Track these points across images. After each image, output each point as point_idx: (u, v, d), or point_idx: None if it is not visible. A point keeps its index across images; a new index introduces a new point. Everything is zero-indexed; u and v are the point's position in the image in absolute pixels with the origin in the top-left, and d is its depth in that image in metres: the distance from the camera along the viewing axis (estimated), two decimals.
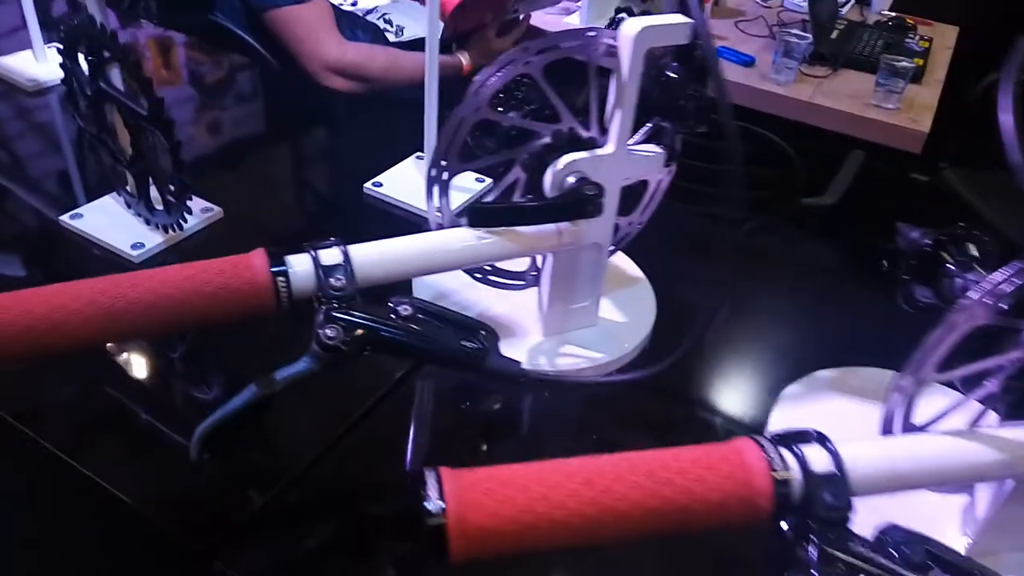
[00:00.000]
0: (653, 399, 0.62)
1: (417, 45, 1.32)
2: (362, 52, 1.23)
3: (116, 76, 0.64)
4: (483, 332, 0.50)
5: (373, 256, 0.50)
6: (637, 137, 0.58)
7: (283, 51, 1.21)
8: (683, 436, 0.60)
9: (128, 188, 0.70)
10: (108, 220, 0.71)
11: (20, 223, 0.75)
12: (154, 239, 0.69)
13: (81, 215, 0.72)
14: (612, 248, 0.65)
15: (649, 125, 0.58)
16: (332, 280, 0.48)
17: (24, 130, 0.91)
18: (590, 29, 0.51)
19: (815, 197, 1.65)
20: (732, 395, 0.63)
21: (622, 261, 0.72)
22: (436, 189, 0.55)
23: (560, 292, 0.61)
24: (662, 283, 0.71)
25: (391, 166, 0.86)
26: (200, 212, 0.74)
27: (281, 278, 0.47)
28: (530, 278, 0.63)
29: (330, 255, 0.49)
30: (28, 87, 0.94)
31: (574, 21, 1.74)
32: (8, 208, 0.77)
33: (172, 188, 0.64)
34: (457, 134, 0.52)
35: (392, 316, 0.48)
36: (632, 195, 0.61)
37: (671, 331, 0.68)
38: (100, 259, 0.69)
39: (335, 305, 0.47)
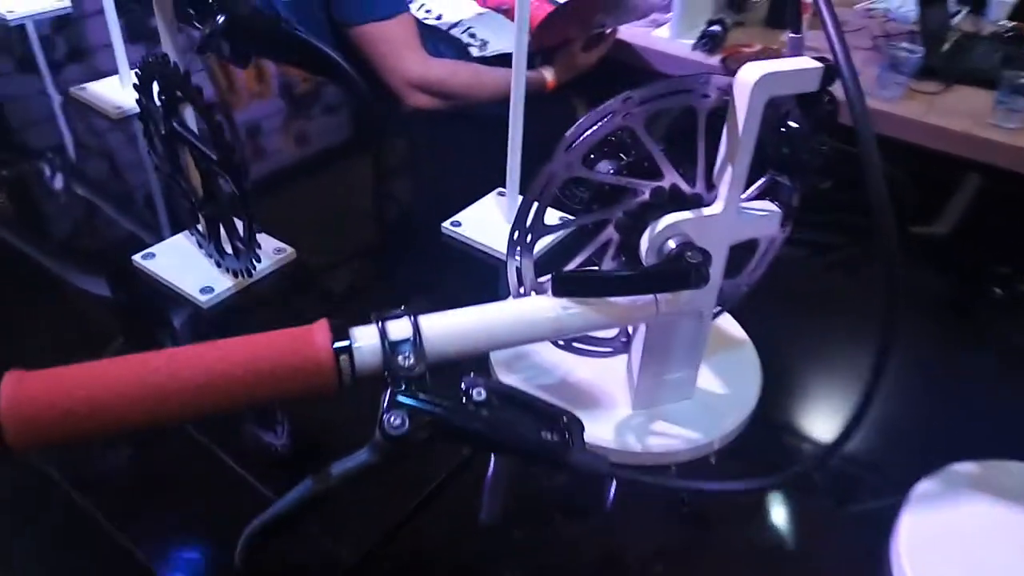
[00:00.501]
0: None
1: (501, 60, 1.28)
2: (446, 68, 1.19)
3: (190, 116, 0.61)
4: (565, 419, 0.44)
5: (446, 329, 0.45)
6: (749, 192, 0.51)
7: (366, 68, 1.19)
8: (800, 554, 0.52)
9: (200, 229, 0.67)
10: (179, 261, 0.69)
11: (94, 260, 0.74)
12: (224, 283, 0.67)
13: (154, 255, 0.70)
14: (716, 311, 0.58)
15: (764, 180, 0.50)
16: (400, 358, 0.43)
17: (104, 159, 0.91)
18: (701, 76, 0.45)
19: (926, 225, 1.51)
20: (854, 492, 0.54)
21: (723, 321, 0.64)
22: (517, 253, 0.49)
23: (653, 363, 0.54)
24: (768, 345, 0.63)
25: (472, 201, 0.81)
26: (272, 253, 0.71)
27: (344, 356, 0.42)
28: (619, 344, 0.56)
29: (399, 328, 0.44)
30: (113, 114, 0.94)
31: (663, 34, 1.65)
32: (83, 244, 0.76)
33: (241, 234, 0.61)
34: (543, 194, 0.46)
35: (464, 400, 0.43)
36: (740, 251, 0.54)
37: (779, 404, 0.61)
38: (169, 302, 0.66)
39: (402, 387, 0.42)
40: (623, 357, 0.57)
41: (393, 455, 0.41)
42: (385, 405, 0.41)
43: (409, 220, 0.84)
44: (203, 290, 0.66)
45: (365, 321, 0.44)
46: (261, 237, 0.73)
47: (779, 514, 0.52)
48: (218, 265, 0.67)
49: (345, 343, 0.43)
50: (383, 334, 0.43)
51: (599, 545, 0.51)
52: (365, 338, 0.43)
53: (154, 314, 0.67)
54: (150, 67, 0.60)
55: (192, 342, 0.42)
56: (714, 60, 1.48)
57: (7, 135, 0.94)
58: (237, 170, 0.56)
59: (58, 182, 0.85)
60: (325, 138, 1.00)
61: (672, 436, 0.55)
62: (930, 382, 0.65)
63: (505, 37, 1.32)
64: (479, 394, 0.43)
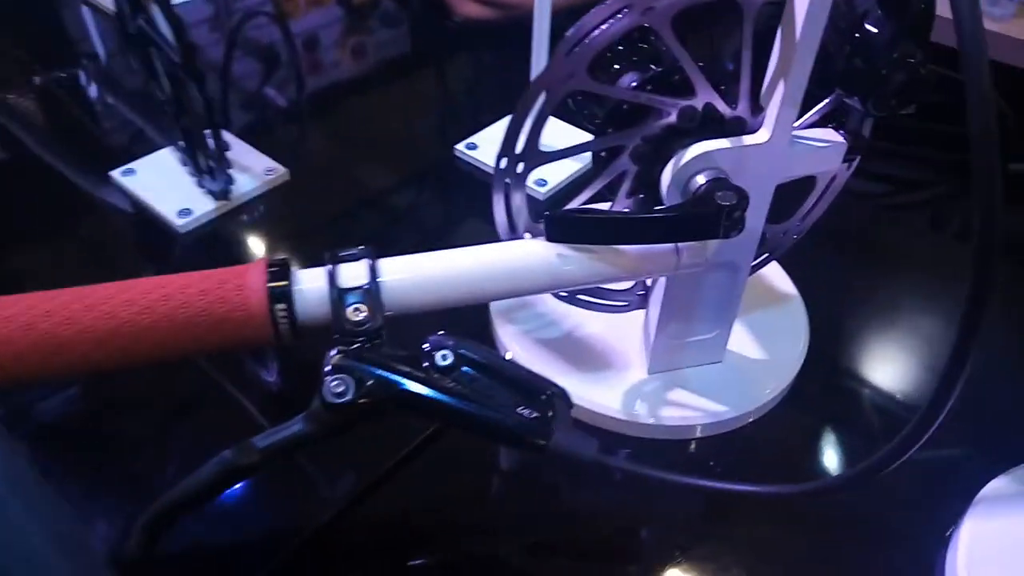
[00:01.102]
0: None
1: None
2: None
3: (158, 13, 0.53)
4: (548, 394, 0.36)
5: (411, 276, 0.37)
6: (807, 118, 0.40)
7: None
8: (847, 553, 0.43)
9: (181, 143, 0.60)
10: (162, 179, 0.62)
11: (69, 174, 0.67)
12: (205, 205, 0.60)
13: (134, 171, 0.63)
14: (756, 264, 0.49)
15: (827, 101, 0.40)
16: (351, 309, 0.35)
17: (95, 60, 0.84)
18: None
19: None
20: (911, 491, 0.45)
21: (765, 269, 0.54)
22: (506, 186, 0.40)
23: (674, 323, 0.45)
24: (820, 301, 0.53)
25: (493, 121, 0.71)
26: (263, 173, 0.63)
27: (281, 304, 0.35)
28: (635, 299, 0.47)
29: (353, 272, 0.36)
30: (111, 10, 0.86)
31: None
32: (60, 154, 0.69)
33: (211, 151, 0.53)
34: (539, 114, 0.37)
35: (426, 365, 0.35)
36: (791, 188, 0.43)
37: (828, 375, 0.51)
38: (144, 226, 0.60)
39: (351, 347, 0.35)
40: (641, 311, 0.48)
41: (335, 426, 0.35)
42: (327, 366, 0.34)
43: (422, 140, 0.75)
44: (181, 212, 0.59)
45: (319, 262, 0.37)
46: (252, 155, 0.66)
47: (812, 512, 0.44)
48: (200, 185, 0.61)
49: (283, 287, 0.35)
50: (332, 278, 0.36)
51: (608, 518, 0.43)
52: (310, 282, 0.36)
53: (125, 238, 0.61)
54: None
55: (163, 271, 0.36)
56: None
57: None
58: (200, 74, 0.48)
59: (45, 84, 0.79)
60: (359, 60, 0.91)
61: (692, 407, 0.46)
62: (1015, 358, 0.54)
63: None
64: (444, 358, 0.35)
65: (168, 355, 0.35)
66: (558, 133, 0.67)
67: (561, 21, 0.57)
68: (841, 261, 0.61)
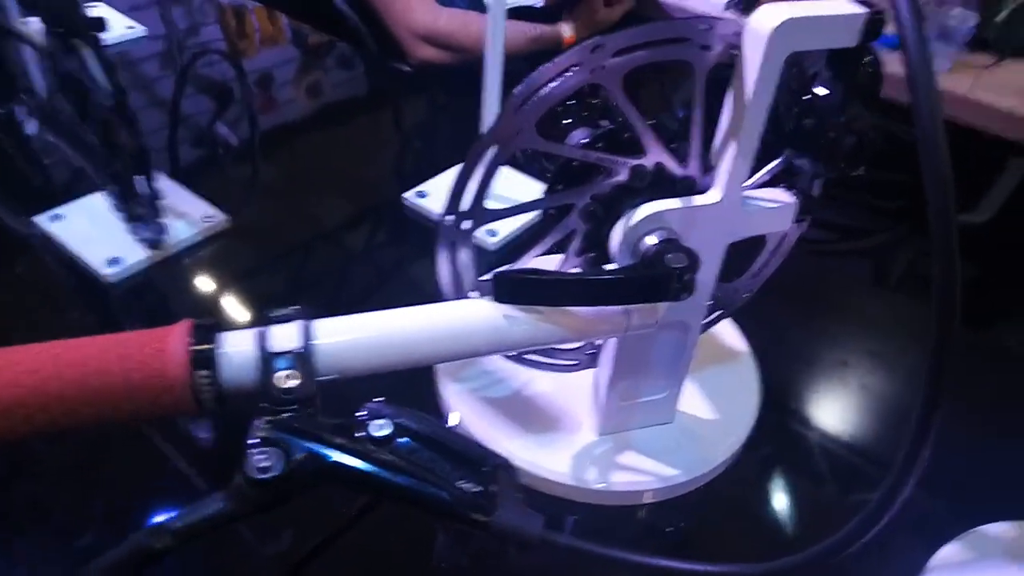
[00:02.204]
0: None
1: (520, 13, 1.16)
2: (456, 19, 1.08)
3: (89, 55, 0.50)
4: (492, 466, 0.34)
5: (348, 340, 0.34)
6: (758, 178, 0.40)
7: (371, 18, 1.08)
8: None
9: (110, 188, 0.57)
10: (90, 225, 0.59)
11: None
12: (137, 254, 0.57)
13: (62, 216, 0.60)
14: (707, 322, 0.48)
15: (778, 161, 0.39)
16: (281, 375, 0.33)
17: (32, 91, 0.80)
18: (702, 21, 0.33)
19: (965, 213, 1.39)
20: (863, 564, 0.43)
21: (716, 326, 0.53)
22: (451, 244, 0.38)
23: (624, 383, 0.44)
24: (772, 357, 0.53)
25: (445, 169, 0.70)
26: (200, 220, 0.61)
27: (204, 370, 0.32)
28: (584, 358, 0.46)
29: (285, 334, 0.34)
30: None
31: None
32: None
33: (143, 198, 0.51)
34: (486, 170, 0.36)
35: (361, 435, 0.33)
36: (742, 246, 0.43)
37: (780, 434, 0.50)
38: (73, 276, 0.57)
39: (278, 417, 0.32)
40: (591, 370, 0.47)
41: (260, 504, 0.32)
42: (252, 438, 0.32)
43: (370, 187, 0.73)
44: (110, 261, 0.56)
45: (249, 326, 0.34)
46: (190, 200, 0.63)
47: None
48: (132, 233, 0.58)
49: (206, 349, 0.33)
50: (261, 342, 0.33)
51: None
52: (236, 345, 0.33)
53: (50, 290, 0.57)
54: None
55: (88, 324, 0.33)
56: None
57: None
58: (130, 117, 0.46)
59: None
60: (313, 100, 0.89)
61: (643, 471, 0.45)
62: (957, 419, 0.54)
63: None
64: (380, 428, 0.33)
65: (82, 424, 0.32)
66: (510, 183, 0.66)
67: (518, 65, 0.57)
68: (790, 314, 0.61)
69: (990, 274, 0.73)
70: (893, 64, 0.27)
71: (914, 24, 0.24)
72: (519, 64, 0.58)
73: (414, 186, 0.68)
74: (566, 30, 1.16)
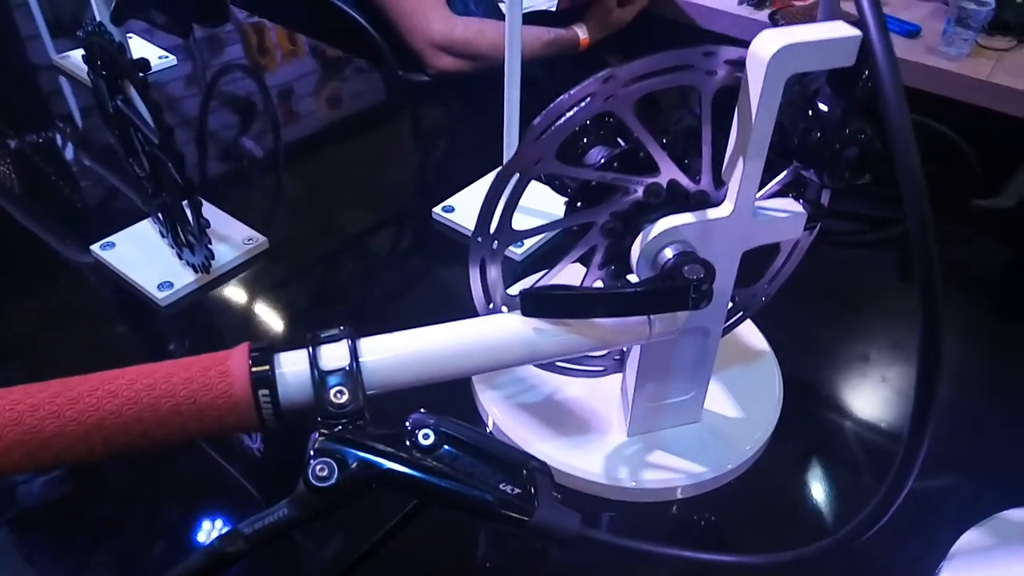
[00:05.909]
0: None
1: (535, 18, 1.19)
2: (471, 28, 1.10)
3: (134, 94, 0.54)
4: (530, 469, 0.36)
5: (392, 356, 0.37)
6: (768, 189, 0.42)
7: (389, 31, 1.11)
8: None
9: (160, 217, 0.61)
10: (141, 252, 0.63)
11: (48, 248, 0.68)
12: (185, 277, 0.61)
13: (113, 244, 0.64)
14: (728, 325, 0.50)
15: (786, 173, 0.42)
16: (333, 391, 0.36)
17: (79, 135, 0.85)
18: (705, 48, 0.36)
19: (990, 198, 1.38)
20: (885, 549, 0.45)
21: (738, 327, 0.56)
22: (481, 262, 0.41)
23: (651, 386, 0.46)
24: (793, 356, 0.55)
25: (471, 182, 0.73)
26: (242, 243, 0.64)
27: (264, 389, 0.36)
28: (611, 364, 0.48)
29: (334, 353, 0.37)
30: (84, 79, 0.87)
31: None
32: (40, 229, 0.70)
33: (190, 226, 0.54)
34: (510, 197, 0.38)
35: (408, 443, 0.36)
36: (759, 253, 0.45)
37: (802, 430, 0.52)
38: (126, 300, 0.61)
39: (332, 430, 0.35)
40: (619, 375, 0.50)
41: (321, 509, 0.35)
42: (311, 449, 0.35)
43: (401, 203, 0.77)
44: (161, 286, 0.60)
45: (300, 344, 0.38)
46: (231, 224, 0.67)
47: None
48: (179, 257, 0.61)
49: (265, 371, 0.36)
50: (314, 361, 0.36)
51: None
52: (292, 366, 0.36)
53: (107, 312, 0.61)
54: (90, 37, 0.54)
55: (145, 344, 0.36)
56: (762, 15, 1.36)
57: None
58: (178, 154, 0.49)
59: (33, 156, 0.79)
60: (334, 112, 0.92)
61: (673, 469, 0.47)
62: (984, 403, 0.55)
63: None
64: (426, 436, 0.36)
65: (154, 444, 0.36)
66: (534, 195, 0.69)
67: (535, 70, 0.59)
68: (810, 312, 0.63)
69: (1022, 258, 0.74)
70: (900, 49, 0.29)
71: (882, 40, 0.26)
72: (536, 69, 0.61)
73: (437, 195, 0.71)
74: (581, 32, 1.17)
